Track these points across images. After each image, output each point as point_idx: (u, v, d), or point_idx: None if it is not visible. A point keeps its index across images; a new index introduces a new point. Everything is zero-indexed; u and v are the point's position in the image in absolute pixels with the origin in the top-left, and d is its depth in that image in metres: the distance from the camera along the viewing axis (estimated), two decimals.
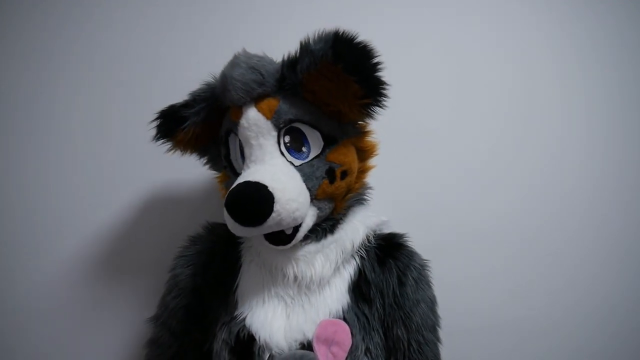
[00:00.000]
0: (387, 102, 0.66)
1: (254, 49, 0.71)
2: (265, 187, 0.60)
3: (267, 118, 0.66)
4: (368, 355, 0.69)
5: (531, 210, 1.01)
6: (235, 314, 0.70)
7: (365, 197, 0.78)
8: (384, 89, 0.64)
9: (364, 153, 0.76)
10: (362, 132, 0.75)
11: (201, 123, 0.72)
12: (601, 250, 1.01)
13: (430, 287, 0.76)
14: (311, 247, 0.70)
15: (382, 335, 0.72)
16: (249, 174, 0.63)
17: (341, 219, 0.73)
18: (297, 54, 0.65)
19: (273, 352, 0.65)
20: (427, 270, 0.77)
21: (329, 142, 0.69)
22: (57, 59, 1.01)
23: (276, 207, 0.60)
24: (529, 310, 1.00)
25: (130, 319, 0.97)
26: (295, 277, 0.68)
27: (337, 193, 0.70)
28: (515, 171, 1.01)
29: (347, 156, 0.70)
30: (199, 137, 0.74)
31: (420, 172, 1.00)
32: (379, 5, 1.02)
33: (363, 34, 0.63)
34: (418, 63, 1.02)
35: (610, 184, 1.02)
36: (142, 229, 0.99)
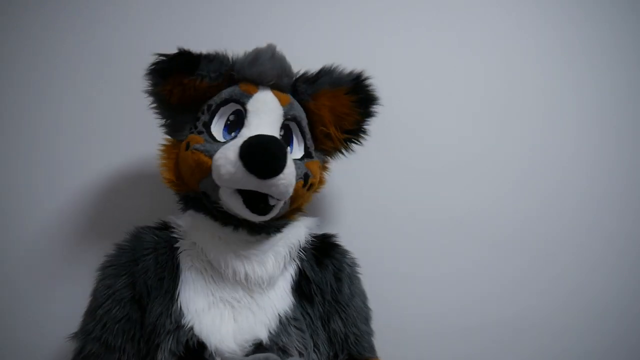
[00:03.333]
0: (352, 149, 0.81)
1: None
2: (285, 148, 0.65)
3: (282, 105, 0.74)
4: (316, 351, 0.72)
5: (521, 209, 1.01)
6: (182, 322, 0.68)
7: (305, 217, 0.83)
8: (365, 136, 0.81)
9: (315, 185, 0.79)
10: (324, 165, 0.83)
11: (207, 81, 0.73)
12: (592, 250, 1.01)
13: (360, 282, 0.82)
14: (263, 246, 0.72)
15: (324, 331, 0.76)
16: (268, 132, 0.68)
17: (289, 223, 0.77)
18: (320, 72, 0.77)
19: (225, 355, 0.65)
20: (357, 267, 0.82)
21: (306, 155, 0.76)
22: (46, 54, 1.01)
23: (285, 171, 0.64)
24: (518, 310, 1.00)
25: None
26: (247, 276, 0.69)
27: (300, 199, 0.76)
28: (505, 170, 1.02)
29: (317, 172, 0.77)
30: (193, 90, 0.73)
31: (413, 166, 1.01)
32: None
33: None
34: (421, 64, 1.03)
35: (601, 184, 1.03)
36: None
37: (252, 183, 0.64)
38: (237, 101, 0.72)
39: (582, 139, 1.03)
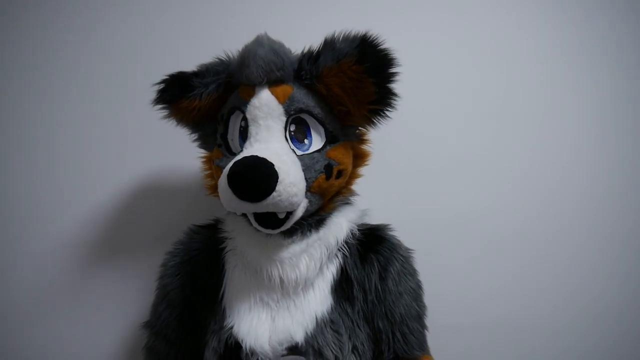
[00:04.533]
0: (391, 113, 0.71)
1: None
2: (272, 164, 0.60)
3: (280, 102, 0.67)
4: (355, 353, 0.70)
5: (521, 209, 1.01)
6: (224, 324, 0.70)
7: (351, 201, 0.79)
8: (394, 99, 0.69)
9: (358, 160, 0.77)
10: (361, 139, 0.77)
11: (207, 96, 0.71)
12: (592, 250, 1.02)
13: (413, 276, 0.77)
14: (296, 248, 0.70)
15: (368, 330, 0.73)
16: (255, 150, 0.63)
17: (327, 217, 0.74)
18: (321, 48, 0.68)
19: (259, 358, 0.66)
20: (411, 260, 0.77)
21: (330, 140, 0.71)
22: (48, 54, 1.01)
23: (278, 187, 0.60)
24: (517, 309, 1.00)
25: (120, 319, 0.98)
26: (281, 280, 0.69)
27: (329, 190, 0.71)
28: (505, 169, 1.02)
29: (345, 157, 0.72)
30: (199, 110, 0.72)
31: (413, 164, 1.01)
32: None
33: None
34: (421, 65, 1.02)
35: (601, 184, 1.02)
36: (132, 226, 0.99)
37: (249, 207, 0.62)
38: (238, 109, 0.70)
39: (582, 139, 1.03)
